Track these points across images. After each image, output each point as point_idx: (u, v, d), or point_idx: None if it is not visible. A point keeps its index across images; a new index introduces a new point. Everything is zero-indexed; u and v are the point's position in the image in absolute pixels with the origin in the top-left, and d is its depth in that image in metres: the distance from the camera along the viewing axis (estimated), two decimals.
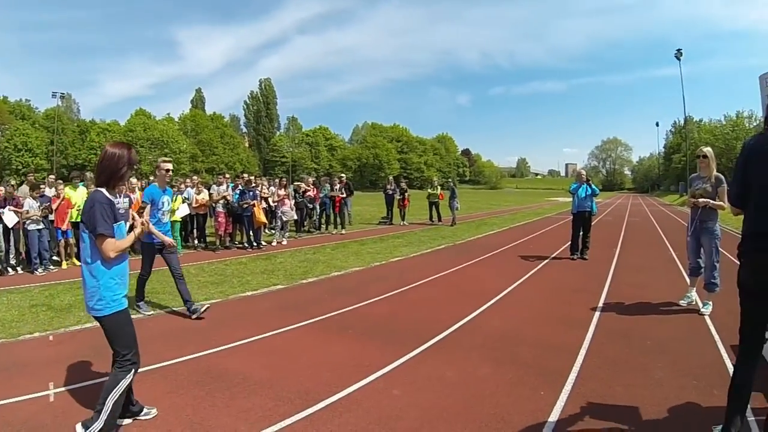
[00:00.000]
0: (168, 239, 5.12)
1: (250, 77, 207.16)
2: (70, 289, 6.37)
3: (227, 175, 13.14)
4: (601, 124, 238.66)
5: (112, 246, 2.51)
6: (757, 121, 38.19)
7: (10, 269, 7.61)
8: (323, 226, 14.00)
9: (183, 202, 9.80)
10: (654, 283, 6.82)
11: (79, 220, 4.46)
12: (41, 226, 7.79)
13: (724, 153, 32.86)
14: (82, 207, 4.41)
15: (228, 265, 8.29)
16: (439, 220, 16.38)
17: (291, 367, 3.71)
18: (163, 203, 5.17)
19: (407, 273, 7.52)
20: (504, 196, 52.91)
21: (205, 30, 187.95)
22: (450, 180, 24.40)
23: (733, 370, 2.56)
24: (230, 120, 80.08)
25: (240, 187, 10.82)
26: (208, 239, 10.94)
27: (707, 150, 5.17)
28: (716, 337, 4.37)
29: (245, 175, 12.01)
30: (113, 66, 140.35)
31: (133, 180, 11.70)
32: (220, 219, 10.39)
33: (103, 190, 2.59)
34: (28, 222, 7.68)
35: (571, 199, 9.39)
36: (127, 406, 2.75)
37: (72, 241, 8.39)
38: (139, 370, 2.78)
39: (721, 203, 4.96)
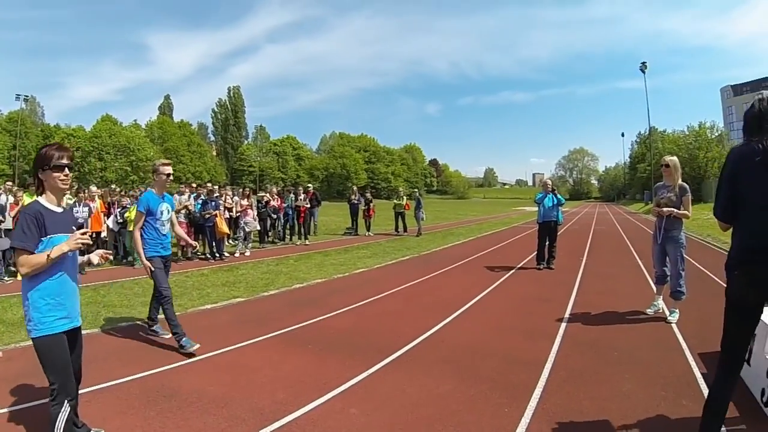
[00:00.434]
0: (188, 239, 5.68)
1: (219, 85, 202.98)
2: None
3: (194, 185, 12.68)
4: (568, 135, 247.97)
5: (24, 261, 2.24)
6: (718, 132, 40.22)
7: None
8: (287, 237, 13.73)
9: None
10: (621, 291, 6.84)
11: None
12: None
13: (687, 162, 34.26)
14: None
15: (189, 276, 7.93)
16: (405, 230, 16.29)
17: (247, 384, 3.51)
18: (161, 212, 4.52)
19: (371, 285, 7.30)
20: (471, 206, 53.66)
21: (175, 35, 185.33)
22: (416, 190, 24.35)
23: (711, 385, 2.44)
24: (198, 128, 78.27)
25: (202, 196, 10.57)
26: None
27: (670, 159, 5.19)
28: (683, 345, 4.34)
29: (208, 185, 11.72)
30: (81, 68, 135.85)
31: (93, 188, 11.11)
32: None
33: (41, 199, 2.37)
34: None
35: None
36: (72, 429, 2.46)
37: None
38: (90, 388, 2.71)
39: (685, 212, 4.98)
